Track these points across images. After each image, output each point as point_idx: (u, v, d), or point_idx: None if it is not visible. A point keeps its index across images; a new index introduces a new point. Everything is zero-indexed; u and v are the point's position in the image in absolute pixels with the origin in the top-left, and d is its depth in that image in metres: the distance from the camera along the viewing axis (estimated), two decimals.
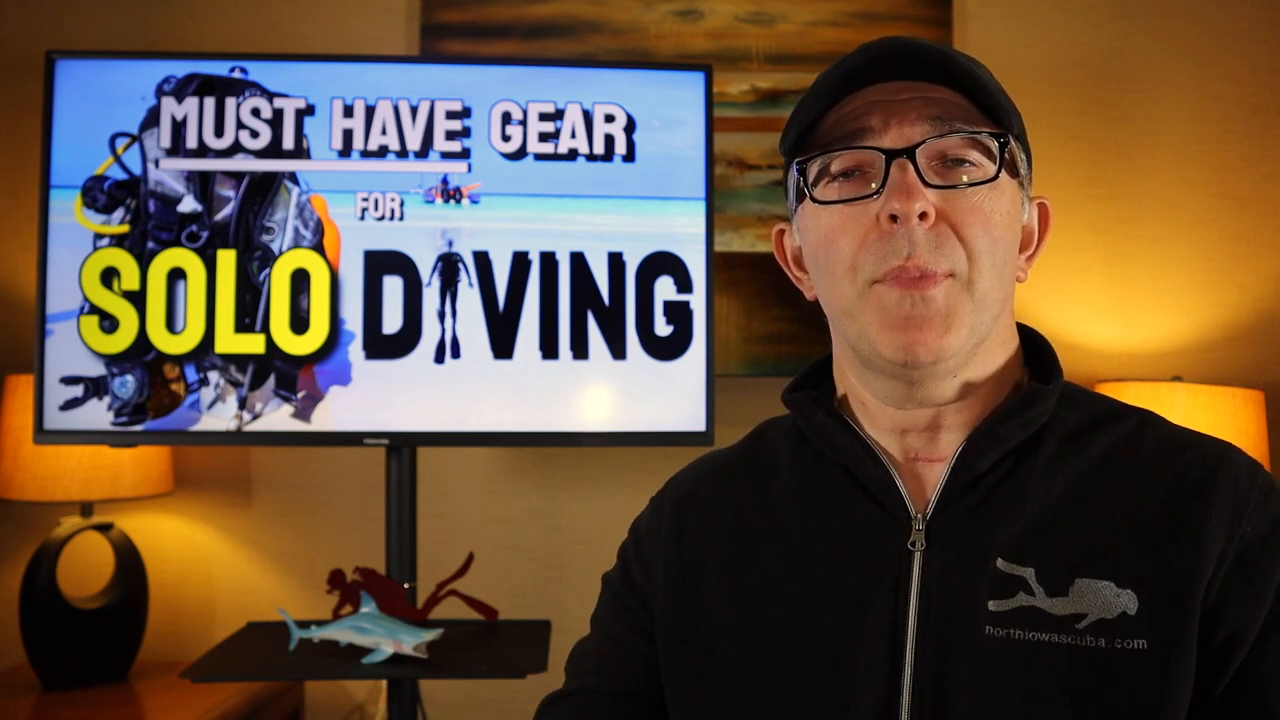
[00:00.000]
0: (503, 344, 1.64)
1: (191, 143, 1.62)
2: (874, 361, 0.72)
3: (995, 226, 0.69)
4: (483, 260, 1.64)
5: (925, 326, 0.68)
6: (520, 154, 1.66)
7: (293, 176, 1.63)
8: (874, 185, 0.69)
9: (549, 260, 1.65)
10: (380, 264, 1.63)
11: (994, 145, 0.70)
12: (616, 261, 1.65)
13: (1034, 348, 0.78)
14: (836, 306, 0.73)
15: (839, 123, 0.72)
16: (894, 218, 0.67)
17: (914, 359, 0.68)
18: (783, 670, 0.72)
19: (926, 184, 0.68)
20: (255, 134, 1.63)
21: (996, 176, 0.70)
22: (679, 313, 1.66)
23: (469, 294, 1.64)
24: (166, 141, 1.62)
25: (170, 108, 1.63)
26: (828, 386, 0.82)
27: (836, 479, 0.77)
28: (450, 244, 1.64)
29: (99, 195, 1.61)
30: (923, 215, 0.67)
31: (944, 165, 0.70)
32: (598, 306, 1.65)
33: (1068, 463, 0.71)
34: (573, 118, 1.67)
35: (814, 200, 0.72)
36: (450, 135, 1.65)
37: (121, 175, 1.62)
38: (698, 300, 1.66)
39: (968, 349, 0.70)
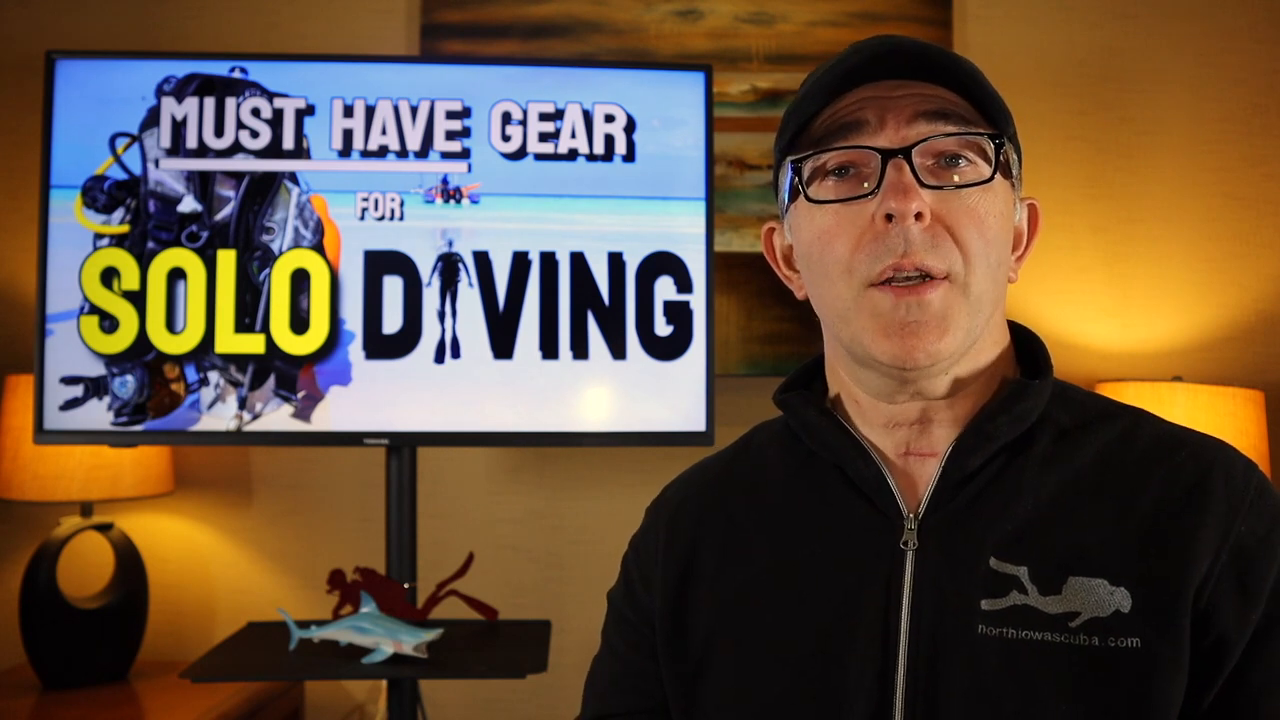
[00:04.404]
0: (503, 344, 1.64)
1: (191, 143, 1.62)
2: (867, 361, 0.71)
3: (990, 228, 0.69)
4: (483, 260, 1.64)
5: (921, 332, 0.67)
6: (520, 154, 1.66)
7: (293, 176, 1.63)
8: (868, 185, 0.69)
9: (549, 260, 1.65)
10: (380, 264, 1.63)
11: (990, 146, 0.70)
12: (616, 261, 1.65)
13: (1025, 345, 0.78)
14: (830, 308, 0.73)
15: (833, 119, 0.71)
16: (889, 217, 0.67)
17: (912, 363, 0.68)
18: (776, 672, 0.72)
19: (922, 184, 0.67)
20: (255, 134, 1.63)
21: (992, 178, 0.69)
22: (679, 313, 1.66)
23: (469, 294, 1.64)
24: (166, 141, 1.62)
25: (170, 108, 1.63)
26: (819, 386, 0.82)
27: (828, 478, 0.76)
28: (450, 244, 1.64)
29: (99, 195, 1.61)
30: (918, 215, 0.67)
31: (939, 165, 0.69)
32: (598, 306, 1.65)
33: (1061, 460, 0.71)
34: (573, 118, 1.67)
35: (808, 199, 0.72)
36: (450, 135, 1.65)
37: (121, 175, 1.62)
38: (698, 300, 1.66)
39: (962, 350, 0.70)
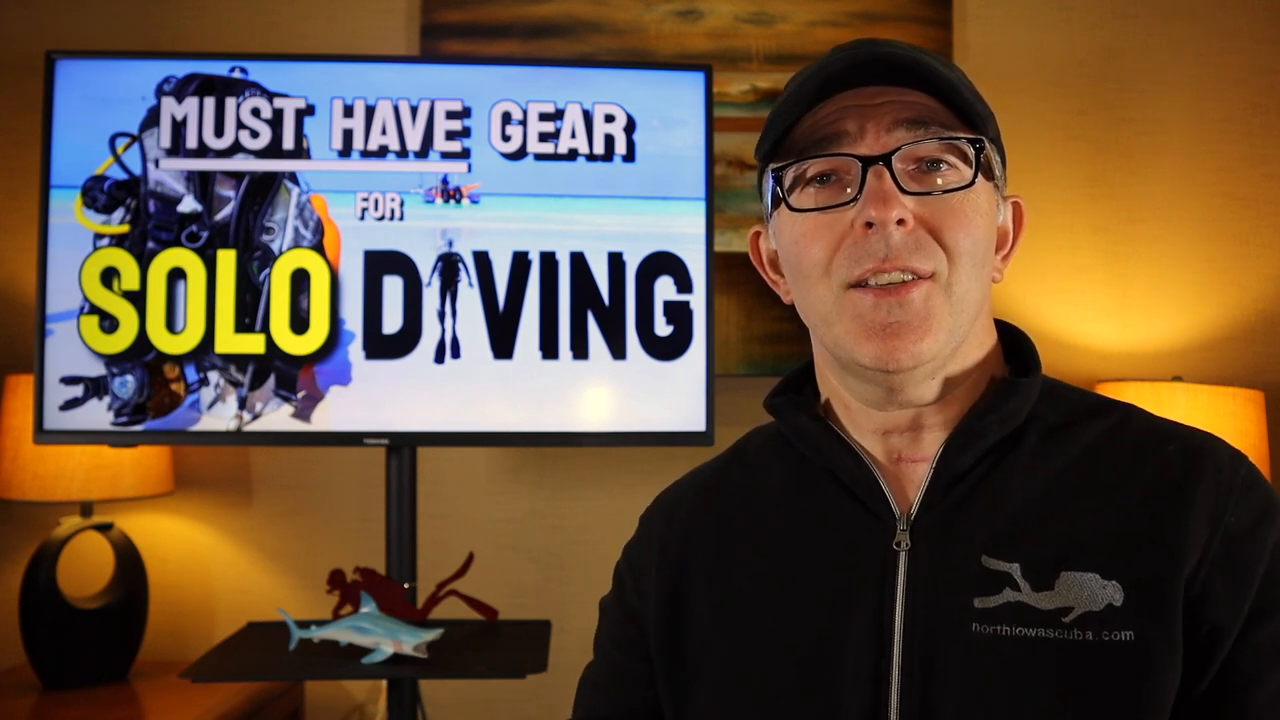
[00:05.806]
0: (503, 344, 1.64)
1: (191, 143, 1.62)
2: (852, 367, 0.72)
3: (976, 229, 0.69)
4: (483, 260, 1.64)
5: (903, 333, 0.68)
6: (520, 154, 1.66)
7: (293, 176, 1.63)
8: (849, 191, 0.69)
9: (549, 260, 1.65)
10: (380, 264, 1.63)
11: (970, 150, 0.70)
12: (616, 261, 1.65)
13: (1013, 343, 0.78)
14: (813, 311, 0.73)
15: (814, 128, 0.71)
16: (869, 225, 0.68)
17: (895, 365, 0.68)
18: (771, 674, 0.72)
19: (903, 190, 0.68)
20: (255, 134, 1.63)
21: (973, 182, 0.70)
22: (679, 313, 1.66)
23: (469, 294, 1.64)
24: (166, 141, 1.62)
25: (170, 108, 1.63)
26: (810, 391, 0.82)
27: (821, 482, 0.77)
28: (450, 244, 1.64)
29: (99, 195, 1.61)
30: (900, 222, 0.67)
31: (920, 170, 0.70)
32: (598, 306, 1.65)
33: (1050, 457, 0.71)
34: (573, 118, 1.67)
35: (790, 208, 0.73)
36: (450, 135, 1.65)
37: (121, 175, 1.62)
38: (698, 300, 1.66)
39: (947, 352, 0.70)
